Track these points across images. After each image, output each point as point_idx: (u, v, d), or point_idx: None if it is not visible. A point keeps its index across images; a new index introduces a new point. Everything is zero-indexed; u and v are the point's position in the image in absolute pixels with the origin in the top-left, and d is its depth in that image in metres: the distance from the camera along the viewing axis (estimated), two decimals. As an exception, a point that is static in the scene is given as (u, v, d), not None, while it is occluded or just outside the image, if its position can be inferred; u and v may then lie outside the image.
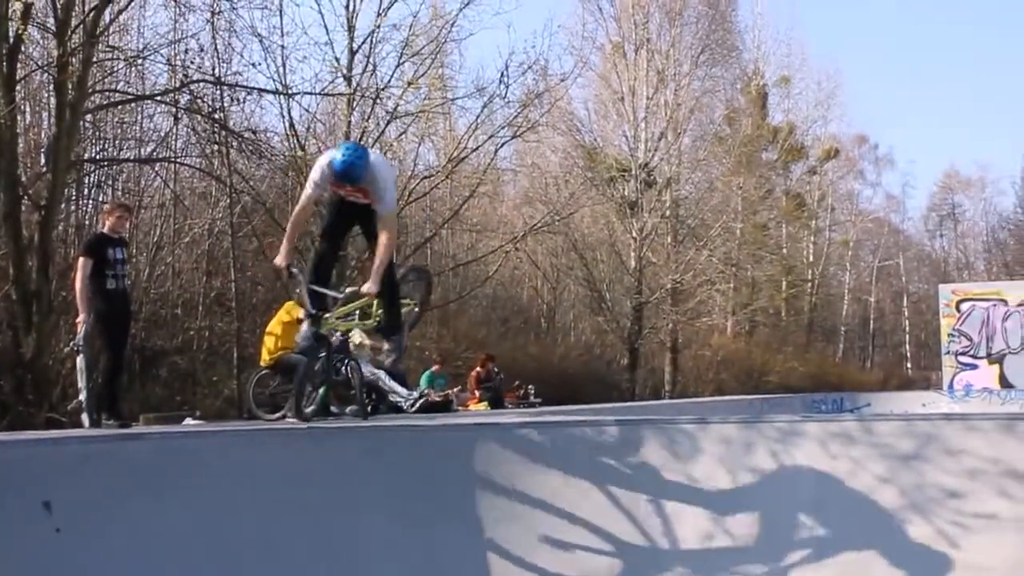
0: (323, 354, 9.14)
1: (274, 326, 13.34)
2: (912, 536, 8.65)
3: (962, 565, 8.40)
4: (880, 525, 8.80)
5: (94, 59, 19.14)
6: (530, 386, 23.97)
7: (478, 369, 21.33)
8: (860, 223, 61.50)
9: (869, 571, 8.60)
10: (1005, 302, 31.54)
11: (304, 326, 8.93)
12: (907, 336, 60.70)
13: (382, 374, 15.34)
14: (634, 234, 38.03)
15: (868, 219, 63.06)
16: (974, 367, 31.47)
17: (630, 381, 36.00)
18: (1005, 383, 30.91)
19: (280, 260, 8.97)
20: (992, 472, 8.76)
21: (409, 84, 26.40)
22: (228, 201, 24.62)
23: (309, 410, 8.95)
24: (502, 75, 27.76)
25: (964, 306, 32.06)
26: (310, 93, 24.87)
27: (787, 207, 52.97)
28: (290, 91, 24.08)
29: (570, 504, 9.35)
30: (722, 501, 9.28)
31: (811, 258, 56.05)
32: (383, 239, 8.84)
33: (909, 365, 59.00)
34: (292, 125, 24.32)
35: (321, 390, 9.11)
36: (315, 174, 8.87)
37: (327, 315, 8.89)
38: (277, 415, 12.79)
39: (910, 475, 9.00)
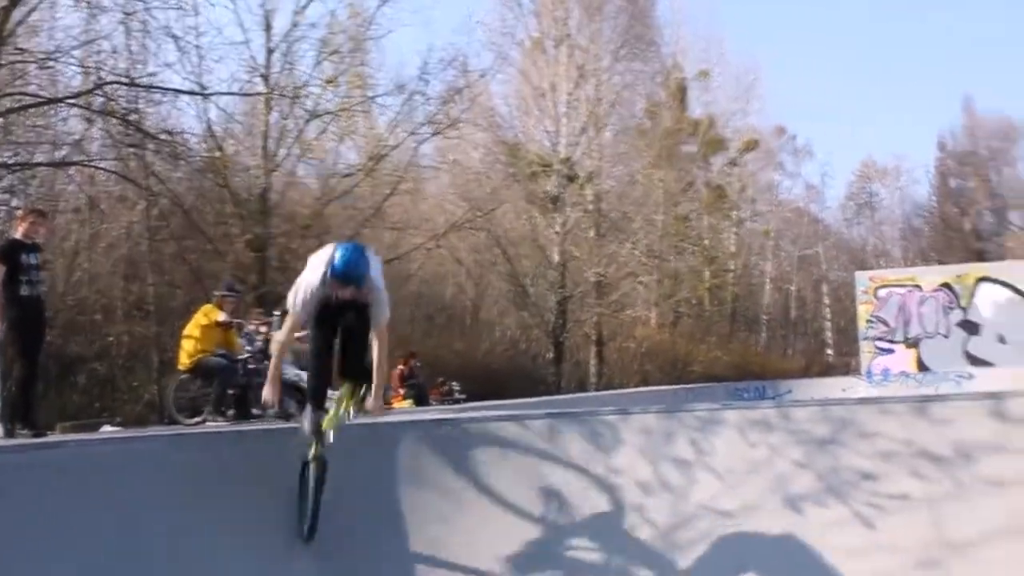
0: (321, 471, 8.41)
1: (191, 329, 13.22)
2: (829, 519, 8.81)
3: (877, 545, 8.58)
4: (798, 509, 8.96)
5: (2, 62, 18.79)
6: (454, 382, 23.92)
7: (400, 367, 21.27)
8: (780, 213, 62.32)
9: (788, 555, 8.75)
10: (920, 287, 32.20)
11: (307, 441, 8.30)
12: (828, 323, 61.65)
13: (305, 375, 15.25)
14: (557, 229, 38.18)
15: (788, 209, 63.90)
16: (891, 352, 32.09)
17: (555, 375, 36.18)
18: (922, 366, 31.56)
19: (269, 395, 8.39)
20: (905, 453, 8.96)
21: (328, 82, 26.35)
22: (145, 204, 24.30)
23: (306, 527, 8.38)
24: (422, 71, 27.86)
25: (881, 292, 32.68)
26: (226, 93, 24.71)
27: (708, 198, 53.55)
28: (206, 91, 23.87)
29: (495, 500, 9.41)
30: (644, 491, 9.39)
31: (733, 248, 56.61)
32: (381, 347, 8.41)
33: (830, 352, 59.82)
34: (210, 126, 24.14)
35: (311, 503, 8.41)
36: (303, 294, 8.17)
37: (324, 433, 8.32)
38: (197, 419, 12.70)
39: (826, 459, 9.17)
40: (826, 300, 61.77)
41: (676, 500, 9.24)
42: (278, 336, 8.26)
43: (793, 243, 64.51)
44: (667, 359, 42.24)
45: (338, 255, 7.97)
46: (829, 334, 60.25)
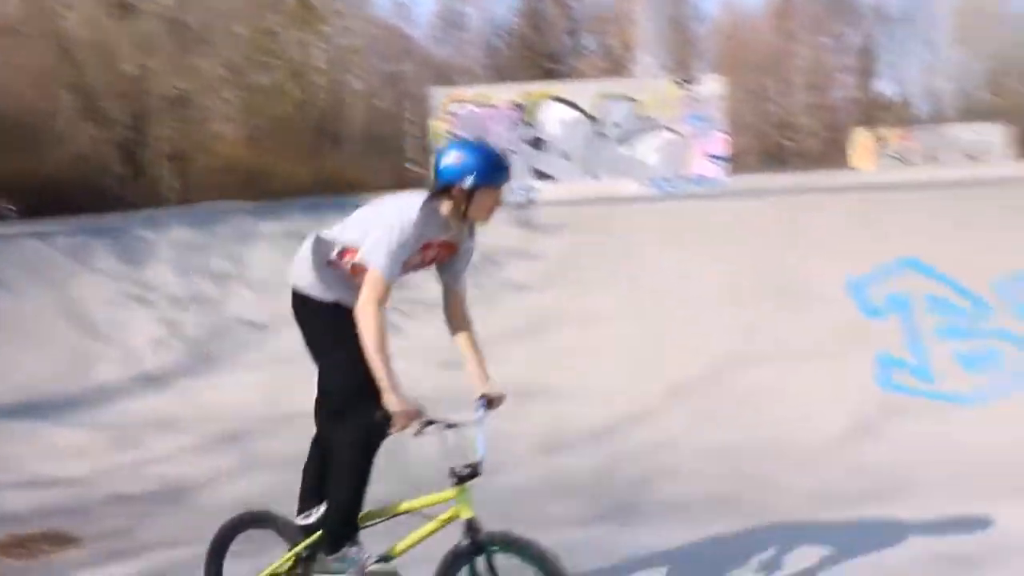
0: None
1: None
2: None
3: (405, 349, 8.95)
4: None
5: None
6: (2, 200, 22.18)
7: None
8: (370, 30, 62.11)
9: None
10: (494, 105, 33.32)
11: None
12: (411, 140, 62.76)
13: None
14: (131, 38, 36.01)
15: (378, 26, 63.85)
16: (461, 166, 33.21)
17: (129, 191, 34.66)
18: (493, 181, 32.95)
19: (406, 404, 4.71)
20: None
21: None
22: None
23: None
24: None
25: (457, 109, 33.53)
26: None
27: (295, 12, 52.22)
28: None
29: (18, 320, 9.00)
30: (178, 305, 9.28)
31: (321, 64, 55.91)
32: (462, 306, 5.72)
33: (416, 167, 61.18)
34: None
35: None
36: (398, 237, 4.98)
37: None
38: None
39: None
40: (409, 116, 62.79)
41: (210, 312, 9.22)
42: (368, 324, 4.83)
43: (382, 60, 64.73)
44: (249, 175, 41.29)
45: (471, 151, 5.10)
46: (412, 150, 61.46)
